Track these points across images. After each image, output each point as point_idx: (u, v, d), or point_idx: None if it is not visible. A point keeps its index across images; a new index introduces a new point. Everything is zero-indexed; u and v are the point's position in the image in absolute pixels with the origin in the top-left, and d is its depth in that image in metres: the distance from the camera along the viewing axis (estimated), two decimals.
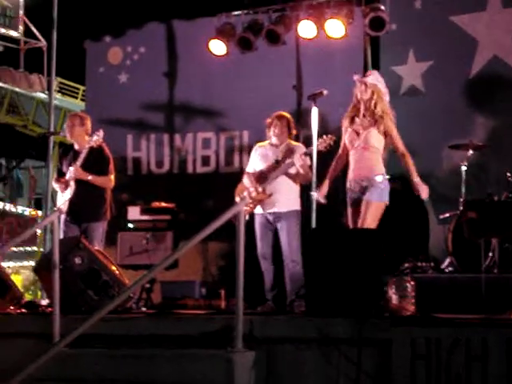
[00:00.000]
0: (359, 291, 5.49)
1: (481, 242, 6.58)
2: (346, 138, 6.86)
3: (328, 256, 5.69)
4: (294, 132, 7.62)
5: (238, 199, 7.38)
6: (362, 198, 6.66)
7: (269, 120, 7.58)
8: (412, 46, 8.87)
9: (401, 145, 6.78)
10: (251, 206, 7.34)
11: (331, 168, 7.02)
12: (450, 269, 7.37)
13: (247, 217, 7.34)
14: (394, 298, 5.63)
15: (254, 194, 7.34)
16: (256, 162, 7.59)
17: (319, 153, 7.01)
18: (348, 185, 6.81)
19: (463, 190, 7.55)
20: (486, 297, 6.05)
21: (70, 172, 7.62)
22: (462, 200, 7.46)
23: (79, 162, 7.60)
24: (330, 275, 5.60)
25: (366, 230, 6.39)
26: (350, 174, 6.80)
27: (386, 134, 6.73)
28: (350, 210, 6.79)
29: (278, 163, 7.39)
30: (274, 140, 7.53)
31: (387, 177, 6.81)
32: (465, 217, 6.93)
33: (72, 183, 7.58)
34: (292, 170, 7.33)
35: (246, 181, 7.50)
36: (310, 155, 7.07)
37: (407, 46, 8.89)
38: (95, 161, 7.67)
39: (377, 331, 5.18)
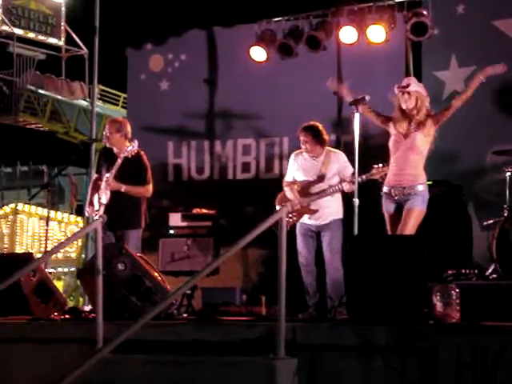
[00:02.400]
0: (402, 298, 5.44)
1: None
2: (390, 143, 6.82)
3: (370, 263, 5.64)
4: (327, 138, 7.54)
5: (278, 207, 7.37)
6: (402, 206, 6.63)
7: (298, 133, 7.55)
8: (455, 51, 8.80)
9: (450, 107, 6.72)
10: (294, 218, 7.33)
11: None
12: (495, 276, 7.28)
13: (288, 228, 7.33)
14: (439, 306, 5.57)
15: (297, 207, 7.33)
16: (295, 172, 7.56)
17: (372, 180, 7.01)
18: (386, 190, 6.76)
19: (507, 196, 7.45)
20: None
21: (105, 180, 7.60)
22: (506, 206, 7.36)
23: (113, 172, 7.53)
24: (372, 282, 5.56)
25: (409, 236, 6.33)
26: (391, 179, 6.75)
27: (435, 129, 6.69)
28: (386, 216, 6.74)
29: (322, 178, 7.34)
30: (309, 152, 7.50)
31: (429, 183, 6.76)
32: (510, 223, 6.85)
33: (107, 191, 7.56)
34: (346, 189, 7.27)
35: (288, 193, 7.47)
36: (369, 177, 7.04)
37: (450, 51, 8.81)
38: (131, 170, 7.61)
39: (421, 339, 5.12)
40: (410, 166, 6.65)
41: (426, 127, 6.65)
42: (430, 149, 6.72)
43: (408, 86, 6.72)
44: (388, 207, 6.75)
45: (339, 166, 7.37)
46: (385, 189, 6.78)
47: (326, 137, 7.51)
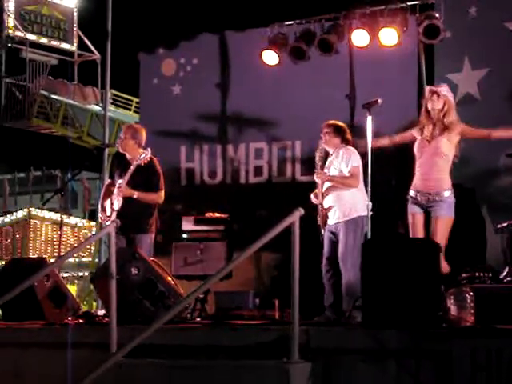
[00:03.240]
0: (417, 302, 5.42)
1: None
2: (415, 148, 6.85)
3: (384, 266, 5.63)
4: (349, 137, 7.54)
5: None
6: (429, 211, 6.65)
7: None
8: (467, 53, 8.76)
9: (480, 131, 6.83)
10: (322, 221, 7.37)
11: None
12: (509, 279, 7.23)
13: (323, 231, 7.37)
14: (453, 309, 5.56)
15: (319, 209, 7.37)
16: None
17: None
18: (413, 194, 6.77)
19: None
20: None
21: (118, 186, 7.61)
22: None
23: (126, 179, 7.54)
24: (386, 286, 5.54)
25: (423, 240, 6.32)
26: (417, 184, 6.76)
27: (459, 140, 6.74)
28: (411, 220, 6.74)
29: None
30: (328, 149, 7.51)
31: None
32: None
33: (119, 197, 7.58)
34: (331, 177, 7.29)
35: (312, 198, 7.50)
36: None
37: (462, 54, 8.78)
38: (144, 177, 7.62)
39: (435, 342, 5.10)
40: (435, 170, 6.68)
41: (451, 133, 6.70)
42: (455, 154, 6.74)
43: (438, 90, 6.79)
44: (413, 211, 6.77)
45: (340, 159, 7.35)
46: (411, 193, 6.81)
47: (348, 135, 7.50)
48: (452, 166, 6.79)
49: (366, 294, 5.78)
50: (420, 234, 6.67)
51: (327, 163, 7.51)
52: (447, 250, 6.65)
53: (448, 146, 6.68)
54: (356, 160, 7.26)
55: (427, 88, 6.86)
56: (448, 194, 6.67)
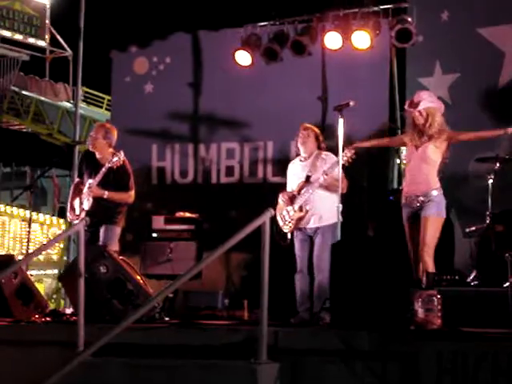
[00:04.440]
0: (385, 304, 5.45)
1: (508, 256, 6.52)
2: (405, 155, 6.95)
3: (353, 268, 5.66)
4: (323, 145, 7.54)
5: (279, 219, 7.36)
6: (420, 214, 6.71)
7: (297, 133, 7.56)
8: (439, 57, 8.84)
9: (466, 134, 6.94)
10: (291, 225, 7.33)
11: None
12: (476, 282, 7.31)
13: (289, 235, 7.34)
14: (420, 312, 5.59)
15: (292, 214, 7.33)
16: (290, 181, 7.58)
17: (343, 166, 7.02)
18: (404, 200, 6.87)
19: (490, 203, 7.48)
20: None
21: (88, 186, 7.58)
22: (488, 213, 7.40)
23: (97, 180, 7.54)
24: (355, 287, 5.57)
25: (392, 242, 6.36)
26: (406, 189, 6.87)
27: (448, 145, 6.82)
28: (406, 226, 6.83)
29: (308, 179, 7.34)
30: (302, 152, 7.50)
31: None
32: (492, 230, 6.89)
33: (90, 197, 7.55)
34: (323, 183, 7.27)
35: (280, 201, 7.47)
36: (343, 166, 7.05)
37: (434, 58, 8.85)
38: (114, 177, 7.60)
39: (402, 345, 5.14)
40: (422, 174, 6.79)
41: (438, 140, 6.79)
42: (443, 160, 6.82)
43: (418, 104, 6.81)
44: (406, 217, 6.85)
45: (327, 166, 7.31)
46: (402, 200, 6.90)
47: (322, 144, 7.53)
48: (441, 168, 6.86)
49: (334, 295, 5.81)
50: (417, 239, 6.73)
51: (298, 169, 7.48)
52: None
53: (435, 152, 6.79)
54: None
55: (407, 105, 6.90)
56: (436, 193, 6.74)
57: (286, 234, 7.37)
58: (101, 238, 7.52)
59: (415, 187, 6.78)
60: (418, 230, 6.69)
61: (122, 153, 7.62)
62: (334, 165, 7.13)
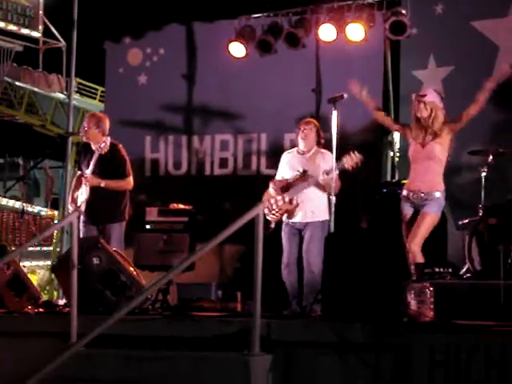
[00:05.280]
0: (377, 296, 5.46)
1: (500, 248, 6.54)
2: (409, 152, 7.01)
3: (346, 261, 5.67)
4: (322, 141, 7.54)
5: (265, 206, 7.34)
6: (419, 209, 6.81)
7: (298, 126, 7.54)
8: (433, 50, 8.84)
9: (459, 120, 6.94)
10: (278, 214, 7.32)
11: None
12: (468, 275, 7.32)
13: (273, 225, 7.34)
14: (413, 304, 5.60)
15: (280, 203, 7.32)
16: (283, 170, 7.57)
17: (344, 170, 7.02)
18: (405, 193, 6.92)
19: (482, 196, 7.50)
20: (505, 303, 6.00)
21: (84, 176, 7.59)
22: (481, 206, 7.42)
23: (91, 169, 7.56)
24: (347, 279, 5.58)
25: (385, 234, 6.37)
26: (411, 184, 6.93)
27: (451, 138, 6.88)
28: (402, 218, 6.90)
29: (304, 173, 7.33)
30: (301, 146, 7.49)
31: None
32: (485, 223, 6.91)
33: (86, 187, 7.55)
34: (322, 182, 7.26)
35: (271, 189, 7.47)
36: (341, 167, 7.05)
37: (428, 51, 8.85)
38: (110, 165, 7.62)
39: (395, 337, 5.15)
40: (429, 173, 6.86)
41: (442, 137, 6.85)
42: (447, 155, 6.86)
43: (424, 95, 6.88)
44: (405, 210, 6.93)
45: (327, 165, 7.28)
46: (404, 192, 6.97)
47: (322, 140, 7.51)
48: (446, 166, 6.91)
49: (326, 287, 5.82)
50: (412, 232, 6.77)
51: (295, 161, 7.47)
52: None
53: (441, 150, 6.86)
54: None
55: (413, 96, 6.94)
56: (439, 194, 6.86)
57: (268, 221, 7.34)
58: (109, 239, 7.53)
59: (420, 184, 6.85)
60: (412, 225, 6.75)
61: (108, 138, 7.63)
62: (336, 166, 7.12)
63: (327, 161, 7.26)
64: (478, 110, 6.97)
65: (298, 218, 7.33)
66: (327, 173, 7.16)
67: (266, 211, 7.34)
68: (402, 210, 6.95)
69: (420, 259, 6.69)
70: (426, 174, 6.86)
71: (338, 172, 7.08)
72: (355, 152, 7.13)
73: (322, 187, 7.27)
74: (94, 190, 7.55)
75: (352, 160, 7.10)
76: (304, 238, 7.29)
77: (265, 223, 7.30)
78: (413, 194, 6.87)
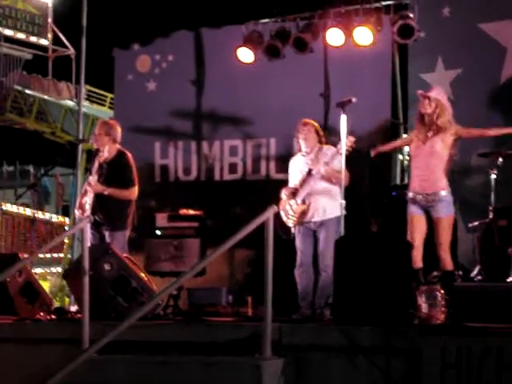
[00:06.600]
0: (388, 299, 5.47)
1: (511, 250, 6.53)
2: (410, 149, 7.01)
3: (356, 264, 5.68)
4: (324, 139, 7.56)
5: (282, 214, 7.37)
6: (427, 211, 6.77)
7: (297, 130, 7.57)
8: (440, 53, 8.84)
9: (475, 130, 7.04)
10: (295, 218, 7.33)
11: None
12: (479, 277, 7.32)
13: (293, 230, 7.35)
14: (424, 307, 5.61)
15: (295, 207, 7.34)
16: (293, 175, 7.60)
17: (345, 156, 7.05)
18: (411, 195, 6.87)
19: (492, 198, 7.49)
20: None
21: (88, 183, 7.61)
22: (491, 208, 7.41)
23: (96, 175, 7.56)
24: (358, 283, 5.59)
25: (395, 238, 6.38)
26: (415, 185, 6.87)
27: (454, 140, 6.87)
28: (410, 220, 6.83)
29: (310, 172, 7.35)
30: (304, 147, 7.52)
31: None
32: (495, 225, 6.90)
33: (90, 194, 7.57)
34: (324, 174, 7.28)
35: (283, 195, 7.49)
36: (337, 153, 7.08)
37: (436, 54, 8.85)
38: (116, 173, 7.61)
39: (406, 340, 5.15)
40: (430, 170, 6.80)
41: (445, 133, 6.80)
42: (454, 153, 6.86)
43: (429, 91, 6.89)
44: (412, 212, 6.86)
45: (326, 157, 7.32)
46: (410, 194, 6.91)
47: (323, 138, 7.54)
48: (450, 164, 6.89)
49: (337, 290, 5.83)
50: (419, 233, 6.75)
51: (300, 164, 7.50)
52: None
53: (442, 146, 6.80)
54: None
55: (419, 93, 6.94)
56: (445, 193, 6.79)
57: (289, 228, 7.38)
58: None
59: (424, 184, 6.79)
60: (422, 227, 6.72)
61: (117, 145, 7.65)
62: (334, 155, 7.15)
63: (325, 152, 7.30)
64: (480, 137, 7.03)
65: (310, 217, 7.34)
66: (326, 164, 7.18)
67: (285, 218, 7.37)
68: (410, 213, 6.86)
69: (449, 266, 6.66)
70: (428, 172, 6.79)
71: (335, 168, 7.09)
72: (348, 136, 7.14)
73: (327, 179, 7.28)
74: (98, 197, 7.54)
75: (346, 144, 7.11)
76: (319, 239, 7.29)
77: (285, 230, 7.36)
78: (419, 196, 6.81)
